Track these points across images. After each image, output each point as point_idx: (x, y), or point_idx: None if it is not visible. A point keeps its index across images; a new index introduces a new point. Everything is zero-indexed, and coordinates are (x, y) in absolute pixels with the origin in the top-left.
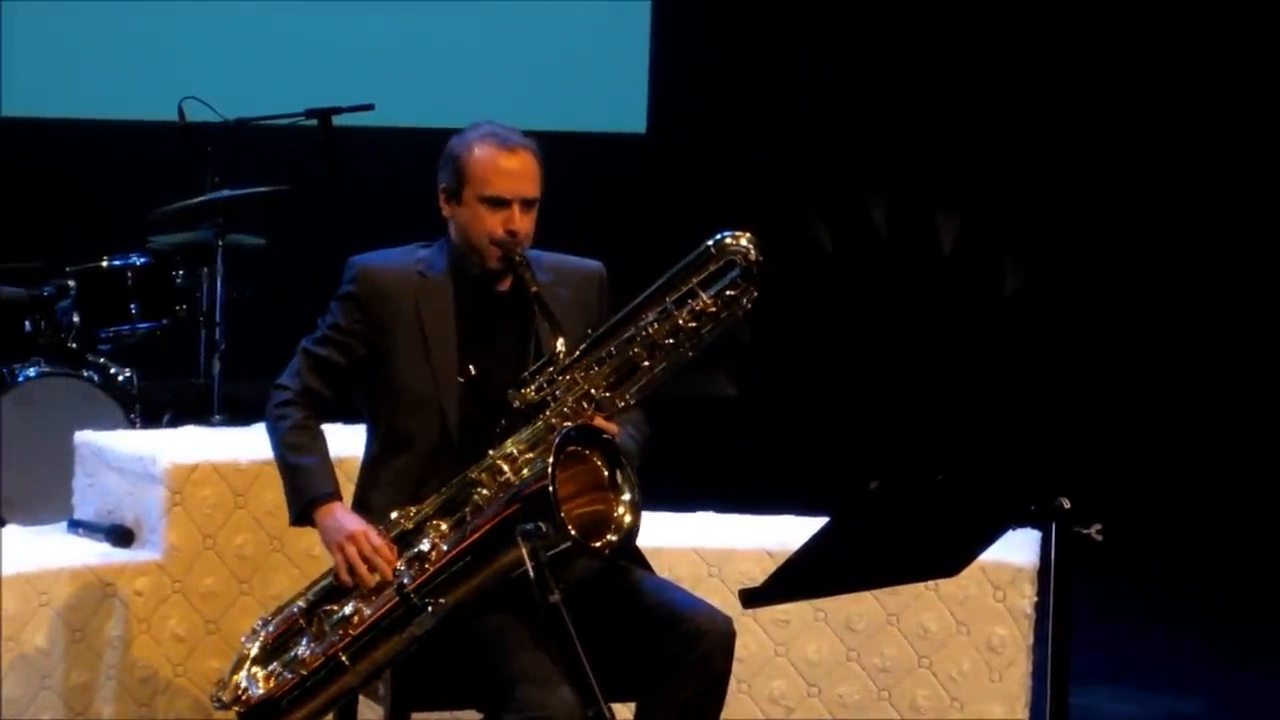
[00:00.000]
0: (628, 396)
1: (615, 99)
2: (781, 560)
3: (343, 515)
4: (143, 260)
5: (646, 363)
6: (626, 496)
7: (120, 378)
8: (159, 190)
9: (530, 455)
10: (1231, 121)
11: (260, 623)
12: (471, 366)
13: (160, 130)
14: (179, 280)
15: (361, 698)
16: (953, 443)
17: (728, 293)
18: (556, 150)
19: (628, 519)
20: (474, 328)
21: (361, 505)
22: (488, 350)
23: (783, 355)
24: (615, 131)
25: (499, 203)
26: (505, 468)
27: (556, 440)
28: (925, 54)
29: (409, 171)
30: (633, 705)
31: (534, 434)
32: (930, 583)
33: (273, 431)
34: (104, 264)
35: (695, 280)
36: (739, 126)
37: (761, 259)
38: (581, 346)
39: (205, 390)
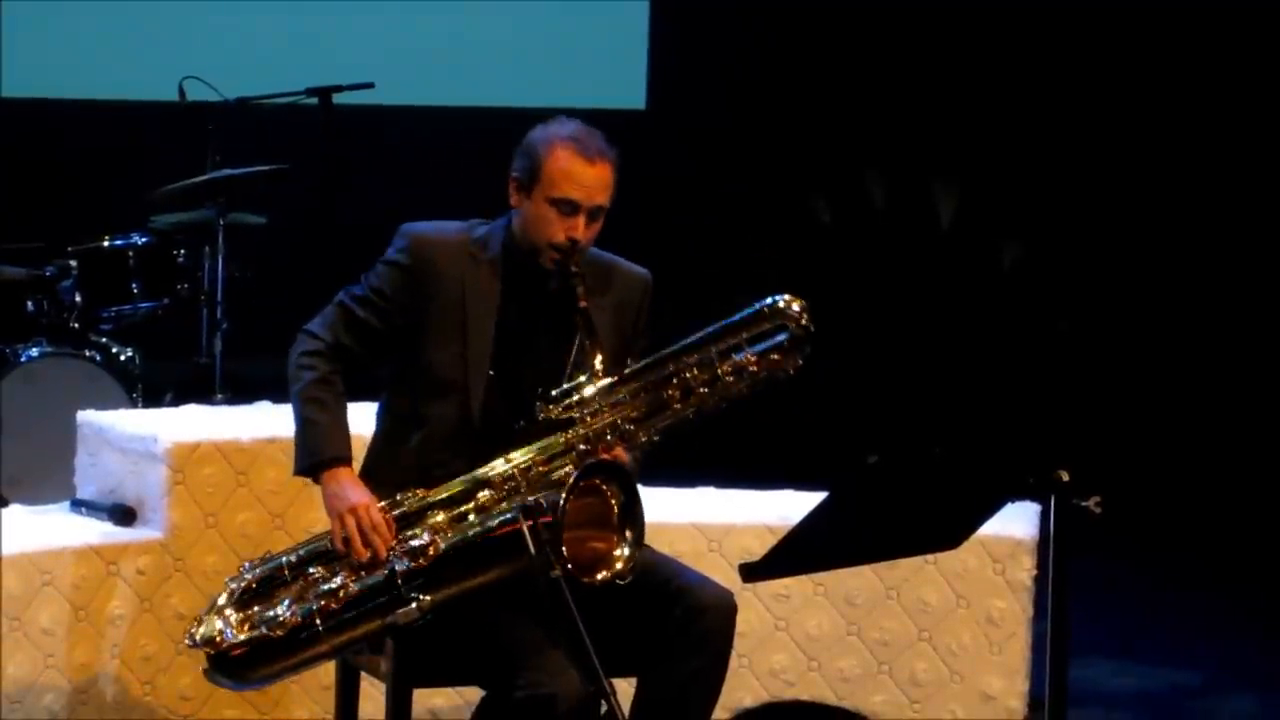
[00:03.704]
0: (652, 433)
1: (614, 74)
2: (781, 535)
3: (349, 483)
4: (144, 240)
5: (678, 404)
6: (627, 548)
7: (122, 357)
8: (160, 170)
9: (544, 469)
10: (1229, 98)
11: (247, 566)
12: (505, 359)
13: (161, 110)
14: (180, 259)
15: (363, 674)
16: (951, 416)
17: (772, 355)
18: None
19: (619, 566)
20: (515, 320)
21: (367, 475)
22: (524, 345)
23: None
24: (614, 107)
25: (568, 207)
26: (518, 477)
27: (576, 473)
28: (925, 28)
29: (409, 150)
30: (634, 681)
31: (553, 450)
32: (930, 556)
33: (295, 379)
34: (105, 244)
35: (744, 336)
36: (738, 101)
37: (813, 329)
38: (619, 374)
39: (207, 369)
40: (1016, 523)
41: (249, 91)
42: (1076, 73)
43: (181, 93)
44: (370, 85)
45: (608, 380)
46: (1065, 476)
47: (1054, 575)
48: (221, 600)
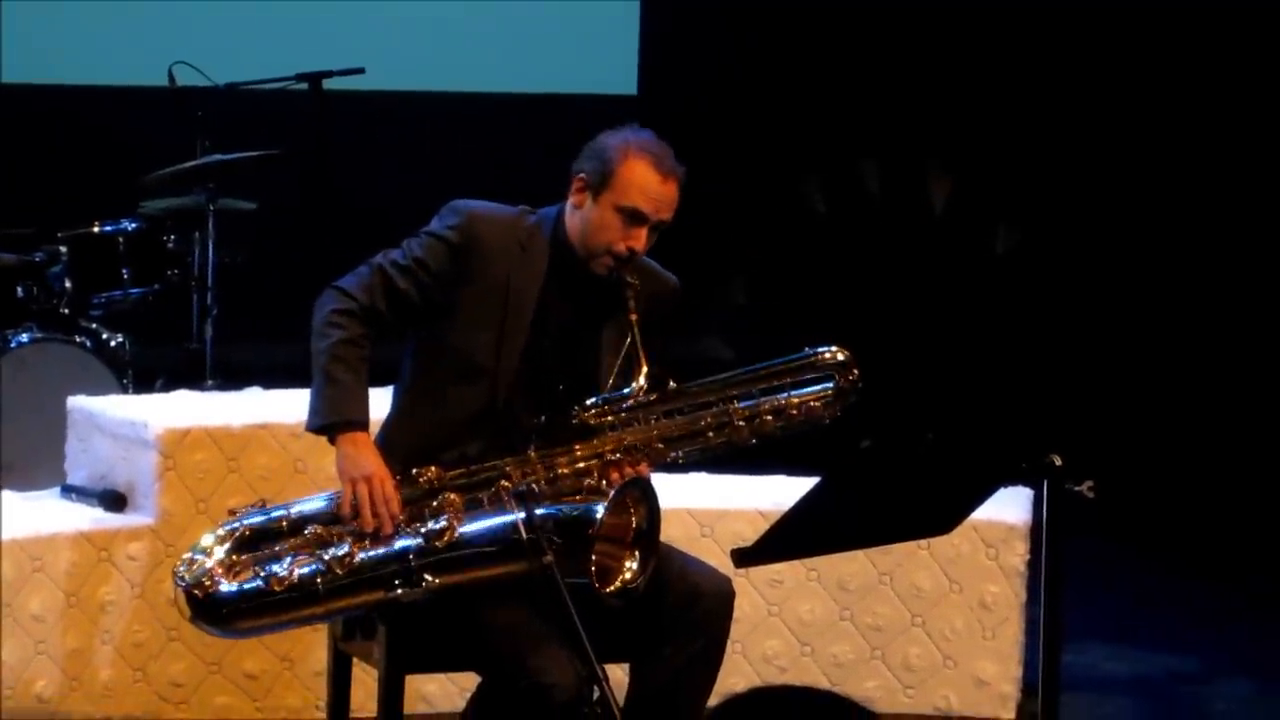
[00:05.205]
0: (679, 455)
1: (606, 60)
2: (774, 520)
3: (367, 451)
4: (134, 225)
5: (711, 433)
6: (635, 564)
7: (112, 343)
8: (150, 155)
9: (567, 472)
10: (1225, 86)
11: (241, 511)
12: (537, 351)
13: (151, 95)
14: (170, 245)
15: (356, 659)
16: (945, 401)
17: (813, 402)
18: (546, 112)
19: (628, 577)
20: (553, 315)
21: (382, 445)
22: (558, 340)
23: (776, 317)
24: (606, 93)
25: (635, 218)
26: (541, 474)
27: (617, 489)
28: (919, 15)
29: (400, 135)
30: (629, 667)
31: (581, 455)
32: (922, 541)
33: (322, 335)
34: (95, 229)
35: (789, 380)
36: (730, 87)
37: (861, 384)
38: (662, 393)
39: (197, 355)
40: (1010, 508)
41: (239, 77)
42: (1070, 59)
43: (171, 78)
44: (361, 71)
45: (649, 397)
46: (1058, 461)
47: (1047, 560)
48: (213, 542)
